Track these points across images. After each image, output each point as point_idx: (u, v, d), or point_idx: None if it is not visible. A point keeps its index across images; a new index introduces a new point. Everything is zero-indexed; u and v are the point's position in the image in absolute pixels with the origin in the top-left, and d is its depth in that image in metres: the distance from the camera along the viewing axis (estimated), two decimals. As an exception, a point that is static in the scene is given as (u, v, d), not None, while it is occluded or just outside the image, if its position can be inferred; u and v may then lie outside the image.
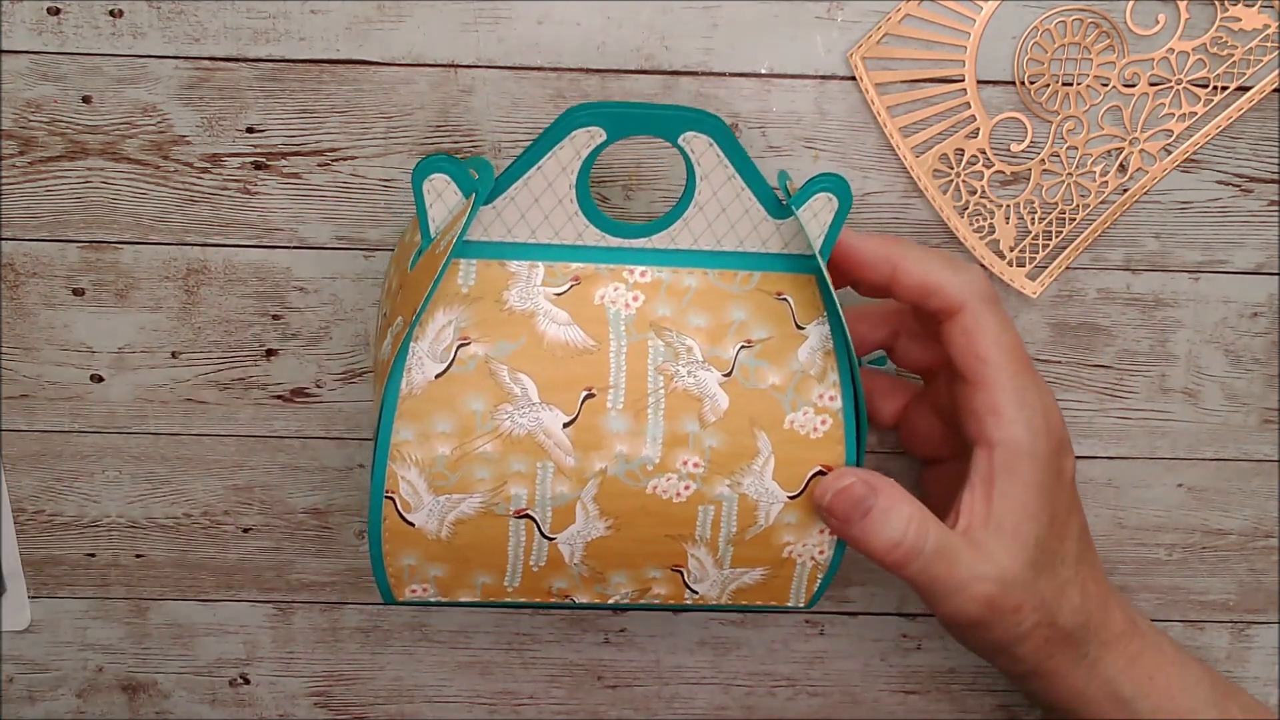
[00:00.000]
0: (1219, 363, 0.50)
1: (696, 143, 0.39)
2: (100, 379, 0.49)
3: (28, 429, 0.50)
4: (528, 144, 0.46)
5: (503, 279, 0.41)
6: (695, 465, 0.41)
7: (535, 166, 0.39)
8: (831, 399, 0.41)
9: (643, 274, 0.41)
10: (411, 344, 0.40)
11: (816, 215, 0.40)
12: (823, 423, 0.41)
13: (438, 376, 0.40)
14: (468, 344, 0.40)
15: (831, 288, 0.40)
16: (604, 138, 0.39)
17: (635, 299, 0.41)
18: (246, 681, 0.54)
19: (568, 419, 0.40)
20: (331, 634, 0.54)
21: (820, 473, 0.41)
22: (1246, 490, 0.52)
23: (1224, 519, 0.52)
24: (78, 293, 0.48)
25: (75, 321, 0.49)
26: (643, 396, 0.40)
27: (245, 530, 0.51)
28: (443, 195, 0.39)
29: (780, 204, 0.41)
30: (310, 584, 0.53)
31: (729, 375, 0.41)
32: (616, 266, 0.41)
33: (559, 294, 0.41)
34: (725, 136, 0.39)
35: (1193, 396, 0.50)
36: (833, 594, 0.53)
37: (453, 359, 0.40)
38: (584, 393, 0.40)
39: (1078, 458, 0.51)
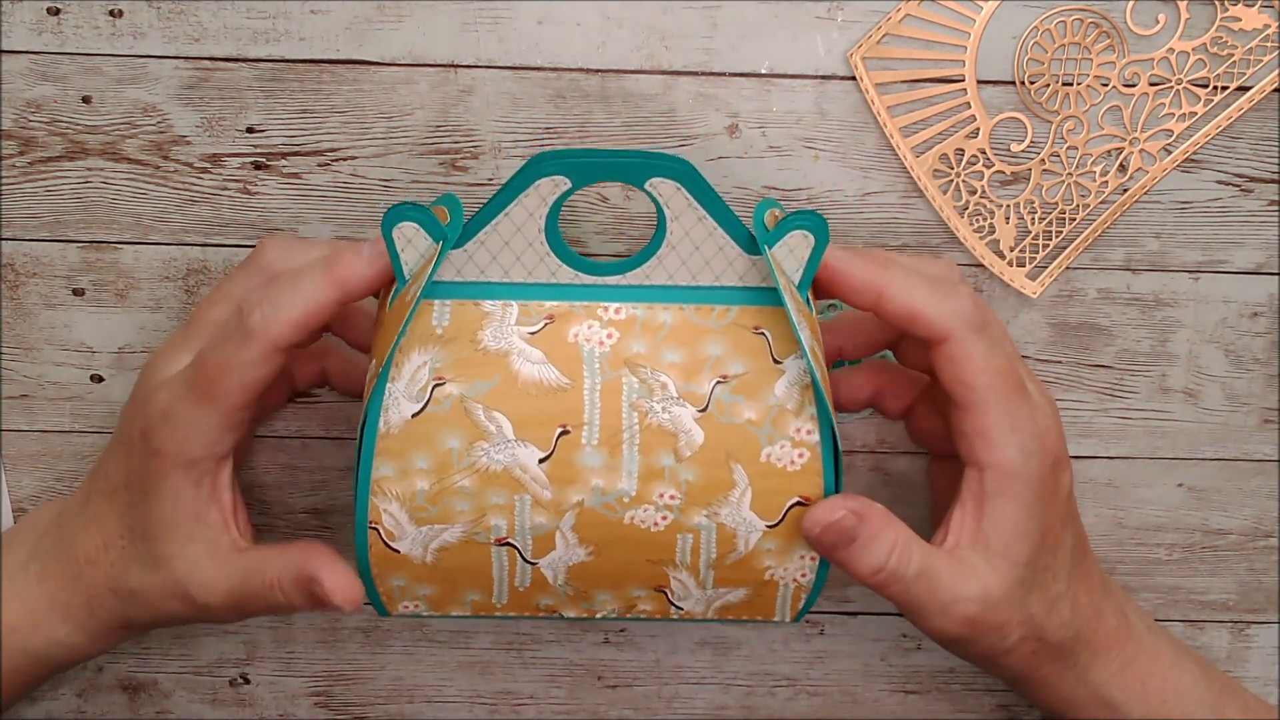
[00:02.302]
0: (1219, 363, 0.50)
1: (664, 187, 0.39)
2: (100, 379, 0.49)
3: (28, 429, 0.50)
4: (528, 144, 0.46)
5: (477, 319, 0.41)
6: (671, 498, 0.41)
7: (502, 213, 0.39)
8: (809, 433, 0.41)
9: (617, 311, 0.41)
10: (388, 384, 0.40)
11: (793, 251, 0.40)
12: (800, 456, 0.41)
13: (414, 416, 0.40)
14: (443, 384, 0.40)
15: (799, 327, 0.40)
16: (569, 186, 0.39)
17: (609, 336, 0.41)
18: (246, 681, 0.54)
19: (543, 455, 0.40)
20: (331, 634, 0.54)
21: (799, 503, 0.41)
22: (1246, 490, 0.52)
23: (1224, 519, 0.52)
24: (78, 293, 0.48)
25: (75, 321, 0.49)
26: (617, 432, 0.40)
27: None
28: (413, 241, 0.39)
29: (755, 240, 0.41)
30: (310, 584, 0.53)
31: (704, 410, 0.41)
32: (590, 304, 0.41)
33: (533, 333, 0.41)
34: (692, 179, 0.39)
35: (1193, 396, 0.50)
36: (832, 594, 0.53)
37: (428, 399, 0.40)
38: (559, 429, 0.40)
39: (1078, 458, 0.51)
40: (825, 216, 0.47)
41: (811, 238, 0.40)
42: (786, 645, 0.54)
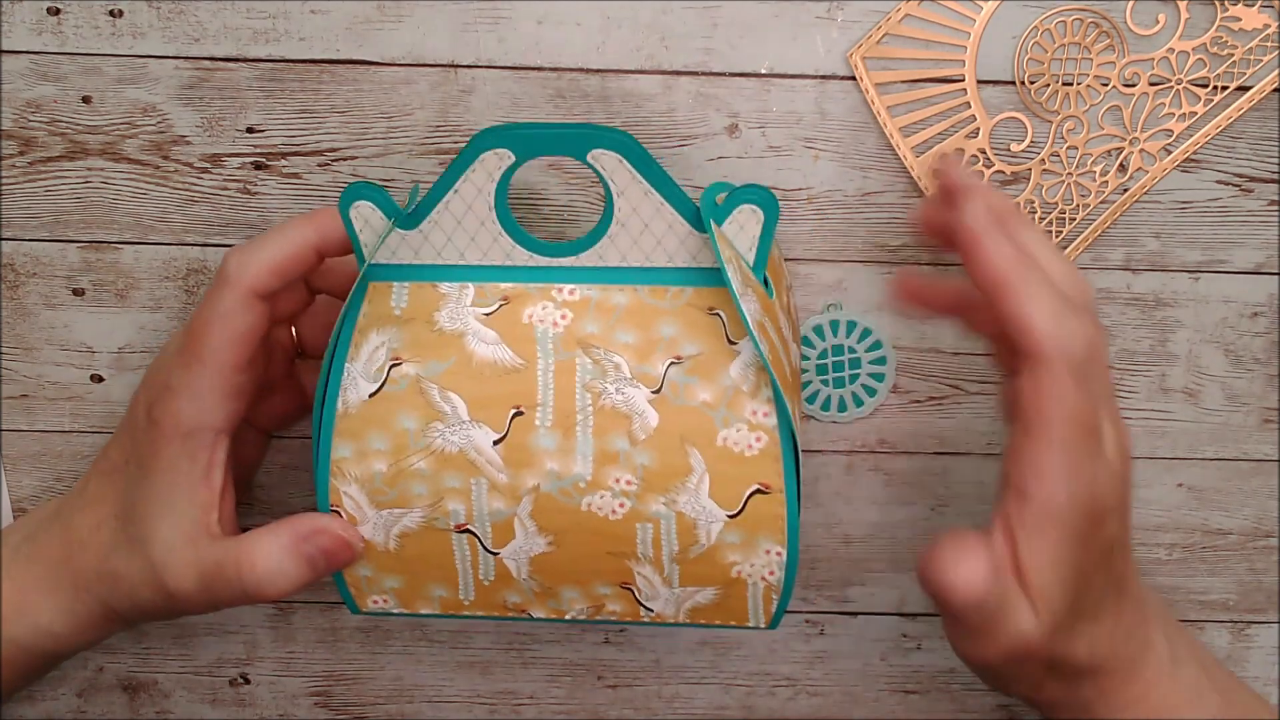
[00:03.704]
0: (1219, 363, 0.50)
1: (606, 160, 0.39)
2: (100, 379, 0.49)
3: (28, 429, 0.50)
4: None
5: (434, 300, 0.41)
6: (628, 483, 0.41)
7: (451, 190, 0.40)
8: (765, 415, 0.40)
9: (571, 292, 0.41)
10: (346, 364, 0.41)
11: (743, 228, 0.40)
12: (757, 440, 0.40)
13: (371, 396, 0.41)
14: (400, 364, 0.41)
15: (743, 300, 0.39)
16: (513, 160, 0.39)
17: (563, 317, 0.41)
18: (246, 681, 0.54)
19: (497, 436, 0.40)
20: (331, 634, 0.54)
21: (759, 490, 0.41)
22: (1246, 490, 0.52)
23: (1224, 519, 0.52)
24: (78, 293, 0.48)
25: (75, 321, 0.49)
26: (571, 414, 0.40)
27: (244, 530, 0.51)
28: (370, 221, 0.40)
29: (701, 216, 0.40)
30: (310, 584, 0.53)
31: (658, 392, 0.41)
32: (545, 285, 0.41)
33: (488, 314, 0.41)
34: (634, 152, 0.39)
35: (1193, 396, 0.50)
36: (833, 594, 0.53)
37: (385, 379, 0.41)
38: (512, 411, 0.41)
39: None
40: (823, 216, 0.47)
41: (760, 212, 0.40)
42: (786, 645, 0.54)
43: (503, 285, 0.41)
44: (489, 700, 0.55)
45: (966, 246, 0.38)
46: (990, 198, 0.40)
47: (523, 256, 0.41)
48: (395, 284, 0.41)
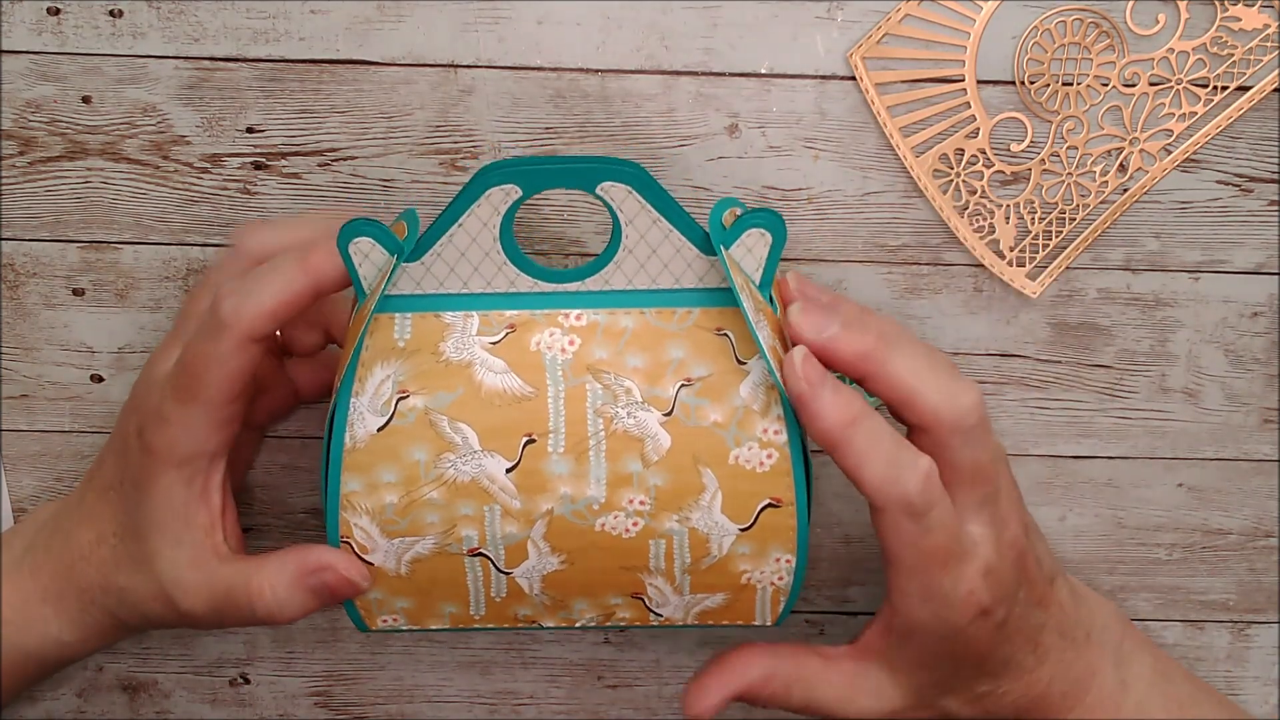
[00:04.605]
0: (1219, 363, 0.50)
1: (615, 191, 0.39)
2: (100, 379, 0.49)
3: (28, 429, 0.50)
4: (526, 146, 0.46)
5: (438, 331, 0.41)
6: (641, 503, 0.41)
7: (456, 224, 0.39)
8: (776, 433, 0.41)
9: (578, 317, 0.41)
10: (352, 399, 0.40)
11: (751, 250, 0.40)
12: (769, 456, 0.41)
13: (379, 430, 0.40)
14: (407, 397, 0.40)
15: (756, 327, 0.39)
16: (519, 194, 0.39)
17: (571, 343, 0.41)
18: (246, 681, 0.54)
19: (510, 464, 0.40)
20: (331, 634, 0.54)
21: (771, 505, 0.41)
22: (1246, 490, 0.52)
23: (1224, 519, 0.52)
24: (78, 293, 0.48)
25: (75, 321, 0.49)
26: (583, 439, 0.40)
27: (246, 530, 0.51)
28: (370, 256, 0.39)
29: (710, 240, 0.40)
30: (310, 584, 0.53)
31: (669, 414, 0.41)
32: (551, 312, 0.41)
33: (494, 343, 0.41)
34: (643, 183, 0.39)
35: (1193, 396, 0.50)
36: (832, 594, 0.53)
37: (393, 412, 0.40)
38: (524, 439, 0.40)
39: (1078, 458, 0.51)
40: (823, 216, 0.47)
41: (769, 236, 0.40)
42: (786, 645, 0.54)
43: (508, 313, 0.41)
44: (489, 700, 0.55)
45: (797, 406, 0.39)
46: (823, 319, 0.40)
47: (527, 283, 0.41)
48: (397, 315, 0.41)
